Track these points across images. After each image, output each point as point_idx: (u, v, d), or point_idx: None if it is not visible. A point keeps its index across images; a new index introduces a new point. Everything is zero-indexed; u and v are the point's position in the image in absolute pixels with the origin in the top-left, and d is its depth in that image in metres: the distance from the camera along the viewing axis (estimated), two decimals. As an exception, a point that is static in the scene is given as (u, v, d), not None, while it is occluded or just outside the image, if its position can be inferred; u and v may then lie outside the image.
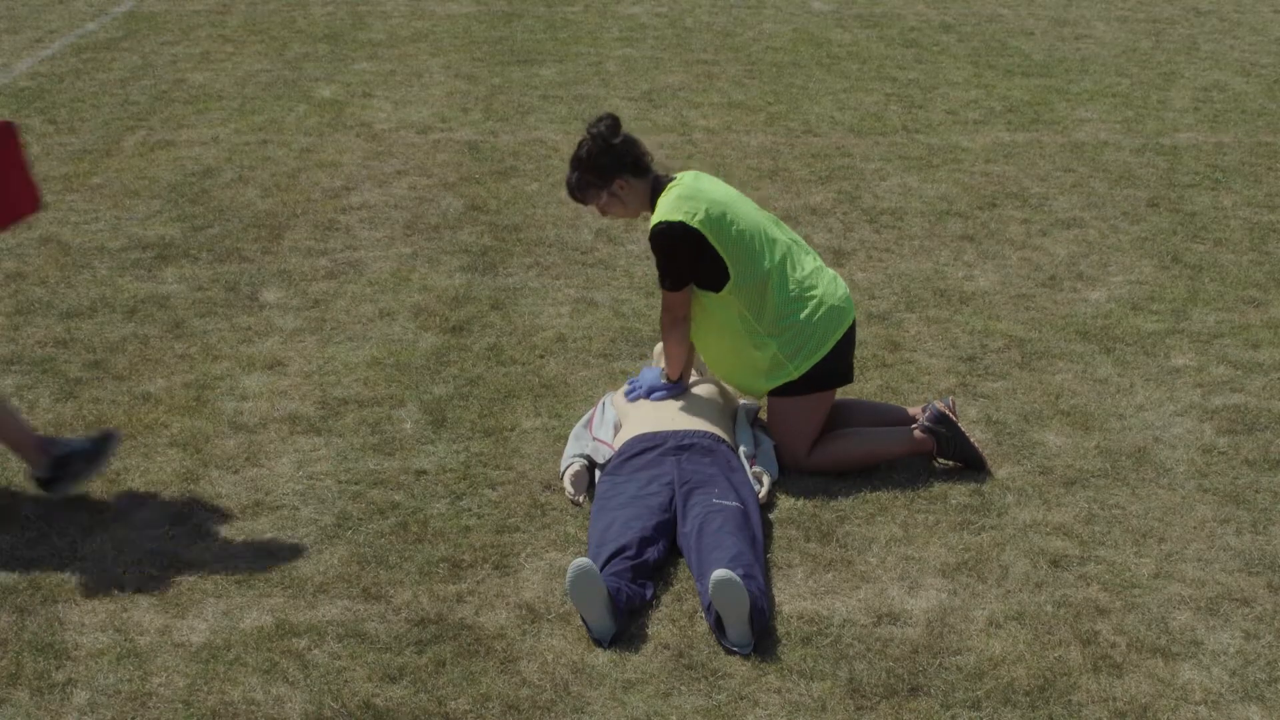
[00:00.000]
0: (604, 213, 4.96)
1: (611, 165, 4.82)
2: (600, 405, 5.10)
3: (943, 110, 9.66)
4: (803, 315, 4.79)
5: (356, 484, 4.78)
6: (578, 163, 4.87)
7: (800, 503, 4.69)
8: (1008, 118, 9.49)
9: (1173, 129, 9.27)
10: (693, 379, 5.12)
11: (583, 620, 3.98)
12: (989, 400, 5.43)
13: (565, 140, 8.73)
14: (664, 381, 4.98)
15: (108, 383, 5.49)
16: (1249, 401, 5.45)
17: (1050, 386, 5.55)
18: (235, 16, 12.48)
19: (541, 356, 5.75)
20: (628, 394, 5.04)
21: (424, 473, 4.84)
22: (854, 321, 4.93)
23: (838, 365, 4.89)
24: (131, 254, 6.84)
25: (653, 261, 4.92)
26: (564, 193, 7.71)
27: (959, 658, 3.90)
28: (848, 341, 4.90)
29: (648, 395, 4.97)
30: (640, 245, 6.94)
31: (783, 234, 4.91)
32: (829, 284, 4.88)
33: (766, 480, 4.71)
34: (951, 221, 7.44)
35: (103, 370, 5.59)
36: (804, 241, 5.01)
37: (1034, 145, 8.85)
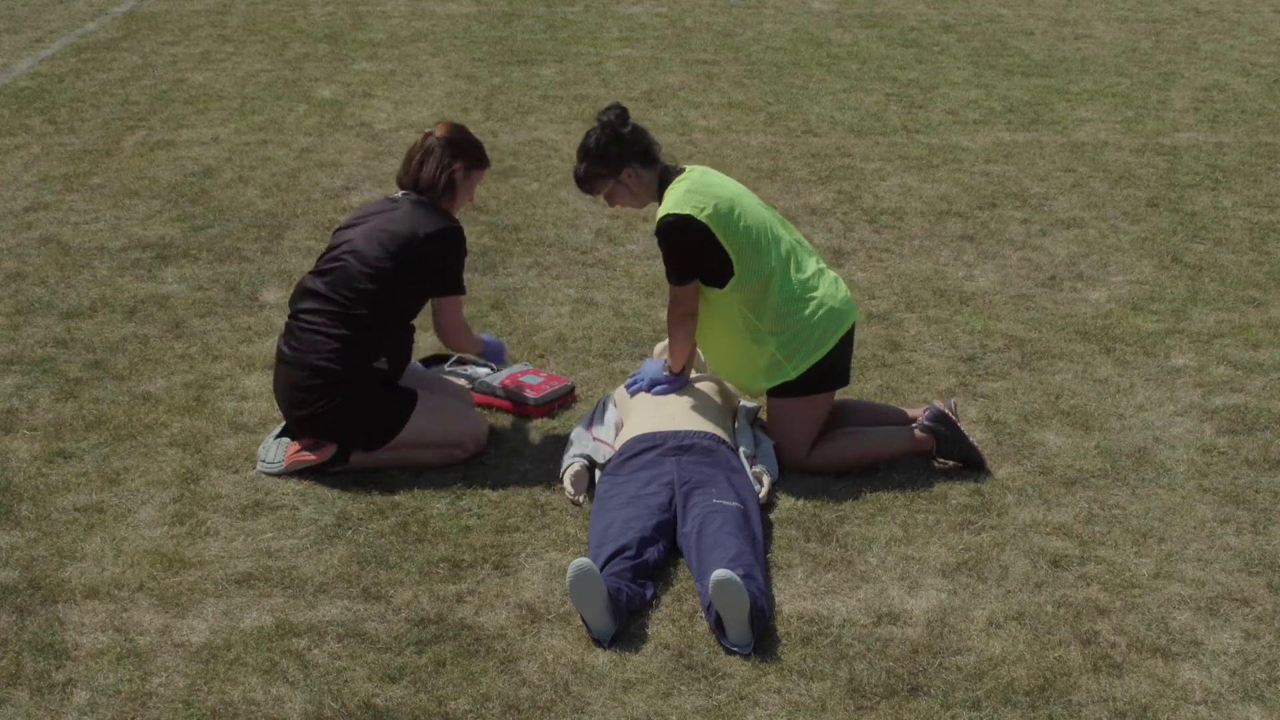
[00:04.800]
0: (611, 203, 4.95)
1: (620, 154, 4.81)
2: (600, 405, 5.11)
3: (943, 110, 9.66)
4: (803, 315, 4.79)
5: (356, 484, 4.78)
6: (586, 152, 4.86)
7: (800, 503, 4.69)
8: (1008, 118, 9.49)
9: (1173, 129, 9.27)
10: (693, 376, 5.12)
11: (583, 620, 3.98)
12: (989, 400, 5.43)
13: (565, 140, 8.73)
14: (666, 374, 4.98)
15: (108, 383, 5.49)
16: (1249, 401, 5.45)
17: (1050, 386, 5.55)
18: (235, 16, 12.48)
19: (541, 356, 5.75)
20: (629, 386, 5.04)
21: (424, 472, 4.84)
22: (853, 325, 4.92)
23: (834, 368, 4.88)
24: (131, 254, 6.84)
25: (654, 261, 4.93)
26: (564, 192, 7.75)
27: (959, 658, 3.90)
28: (846, 344, 4.90)
29: (649, 388, 4.97)
30: (640, 245, 6.95)
31: (787, 233, 4.91)
32: (830, 286, 4.88)
33: (766, 480, 4.71)
34: (951, 221, 7.44)
35: (103, 370, 5.59)
36: (807, 243, 5.01)
37: (1034, 145, 8.85)
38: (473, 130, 5.19)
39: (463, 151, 4.96)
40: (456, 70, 10.61)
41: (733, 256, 4.72)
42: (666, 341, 5.08)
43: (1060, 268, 6.81)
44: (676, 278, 4.78)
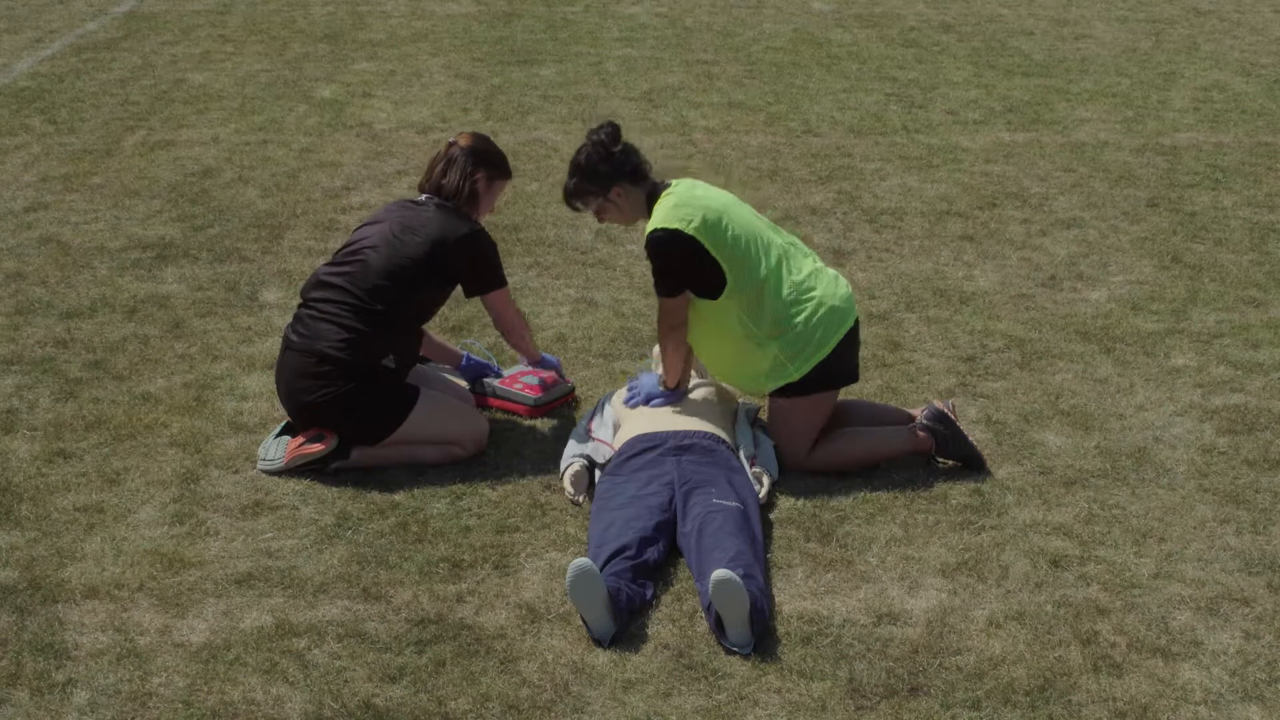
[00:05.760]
0: (600, 219, 4.97)
1: (610, 173, 4.82)
2: (600, 405, 5.11)
3: (943, 110, 9.66)
4: (801, 318, 4.78)
5: (356, 484, 4.78)
6: (576, 169, 4.87)
7: (800, 503, 4.69)
8: (1008, 118, 9.49)
9: (1173, 129, 9.27)
10: (693, 381, 5.11)
11: (583, 620, 3.98)
12: (989, 400, 5.43)
13: (565, 140, 8.73)
14: (662, 389, 4.98)
15: (108, 383, 5.49)
16: (1249, 401, 5.45)
17: (1050, 386, 5.55)
18: (235, 16, 12.48)
19: (541, 356, 5.75)
20: (627, 400, 5.03)
21: (424, 472, 4.84)
22: (857, 321, 4.92)
23: (841, 365, 4.88)
24: (131, 254, 6.84)
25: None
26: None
27: (959, 658, 3.90)
28: (850, 341, 4.90)
29: (646, 402, 4.97)
30: (640, 245, 6.93)
31: (779, 238, 4.91)
32: (829, 285, 4.88)
33: (766, 480, 4.71)
34: (951, 221, 7.44)
35: (103, 370, 5.59)
36: (802, 244, 5.01)
37: (1034, 145, 8.85)
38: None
39: (485, 161, 5.01)
40: (456, 70, 10.61)
41: (724, 266, 4.72)
42: (655, 352, 5.09)
43: (1060, 268, 6.81)
44: (665, 289, 4.79)
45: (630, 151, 4.86)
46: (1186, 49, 11.72)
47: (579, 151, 4.87)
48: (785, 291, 4.78)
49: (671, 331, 4.86)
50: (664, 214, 4.75)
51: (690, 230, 4.70)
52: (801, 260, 4.89)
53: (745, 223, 4.82)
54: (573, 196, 4.92)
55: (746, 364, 4.85)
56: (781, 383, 4.83)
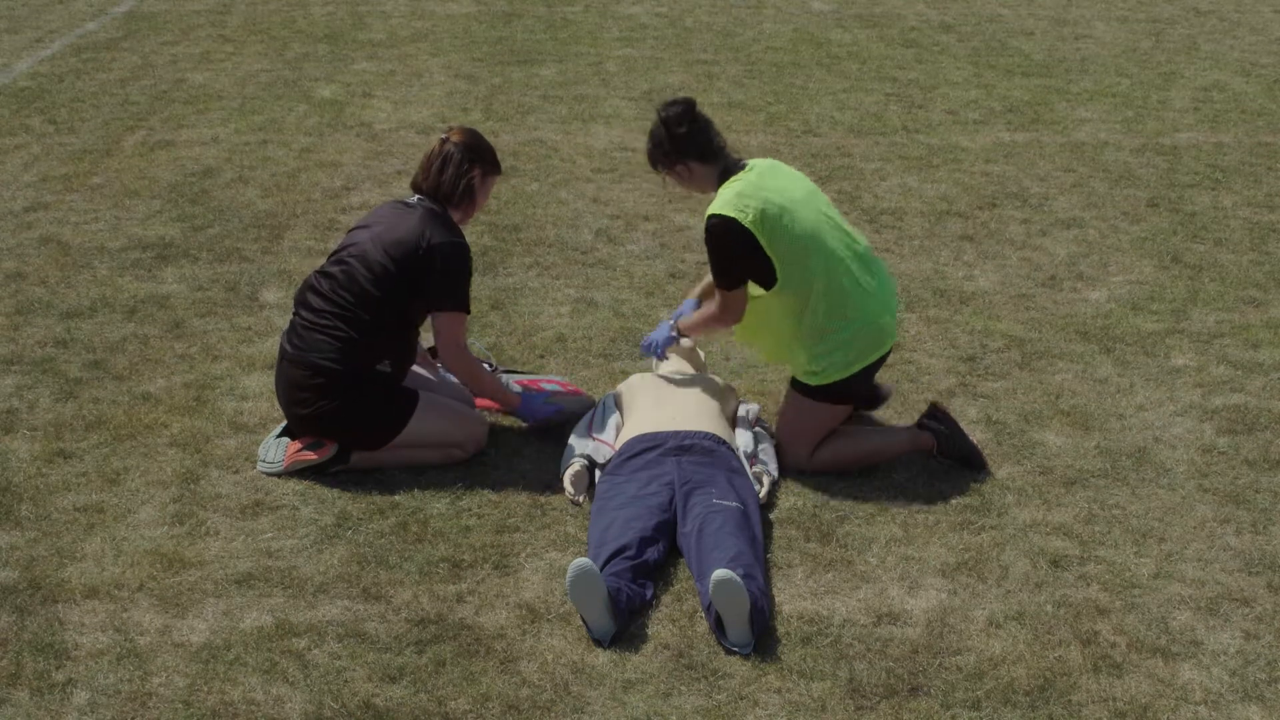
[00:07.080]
0: (671, 186, 5.05)
1: (676, 150, 4.85)
2: (600, 405, 5.11)
3: (943, 110, 9.66)
4: (839, 335, 4.74)
5: (356, 484, 4.78)
6: (650, 138, 4.94)
7: (800, 503, 4.69)
8: (1008, 118, 9.49)
9: (1173, 129, 9.27)
10: (693, 378, 5.12)
11: (583, 620, 3.98)
12: (989, 400, 5.43)
13: (565, 140, 8.74)
14: (674, 334, 5.11)
15: (108, 383, 5.49)
16: (1249, 401, 5.45)
17: (1050, 386, 5.55)
18: (235, 16, 12.49)
19: (541, 356, 5.75)
20: (643, 346, 5.19)
21: (424, 472, 4.84)
22: (889, 349, 4.89)
23: (862, 386, 4.89)
24: (131, 254, 6.84)
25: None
26: (564, 192, 7.76)
27: (959, 658, 3.90)
28: (875, 367, 4.88)
29: (656, 349, 5.12)
30: (640, 245, 6.95)
31: (844, 245, 4.79)
32: (876, 308, 4.79)
33: (766, 480, 4.71)
34: (951, 221, 7.44)
35: (103, 370, 5.59)
36: (868, 251, 4.87)
37: (1034, 145, 8.85)
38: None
39: (480, 156, 4.97)
40: (456, 70, 10.61)
41: (776, 264, 4.70)
42: (703, 284, 5.20)
43: (1060, 268, 6.81)
44: (726, 282, 4.78)
45: (698, 131, 4.84)
46: (1186, 49, 11.72)
47: (653, 125, 4.91)
48: (830, 304, 4.72)
49: (723, 321, 4.92)
50: (724, 200, 4.73)
51: (746, 223, 4.67)
52: (860, 274, 4.77)
53: (809, 225, 4.73)
54: (650, 161, 4.99)
55: (785, 350, 4.89)
56: (805, 380, 4.83)
